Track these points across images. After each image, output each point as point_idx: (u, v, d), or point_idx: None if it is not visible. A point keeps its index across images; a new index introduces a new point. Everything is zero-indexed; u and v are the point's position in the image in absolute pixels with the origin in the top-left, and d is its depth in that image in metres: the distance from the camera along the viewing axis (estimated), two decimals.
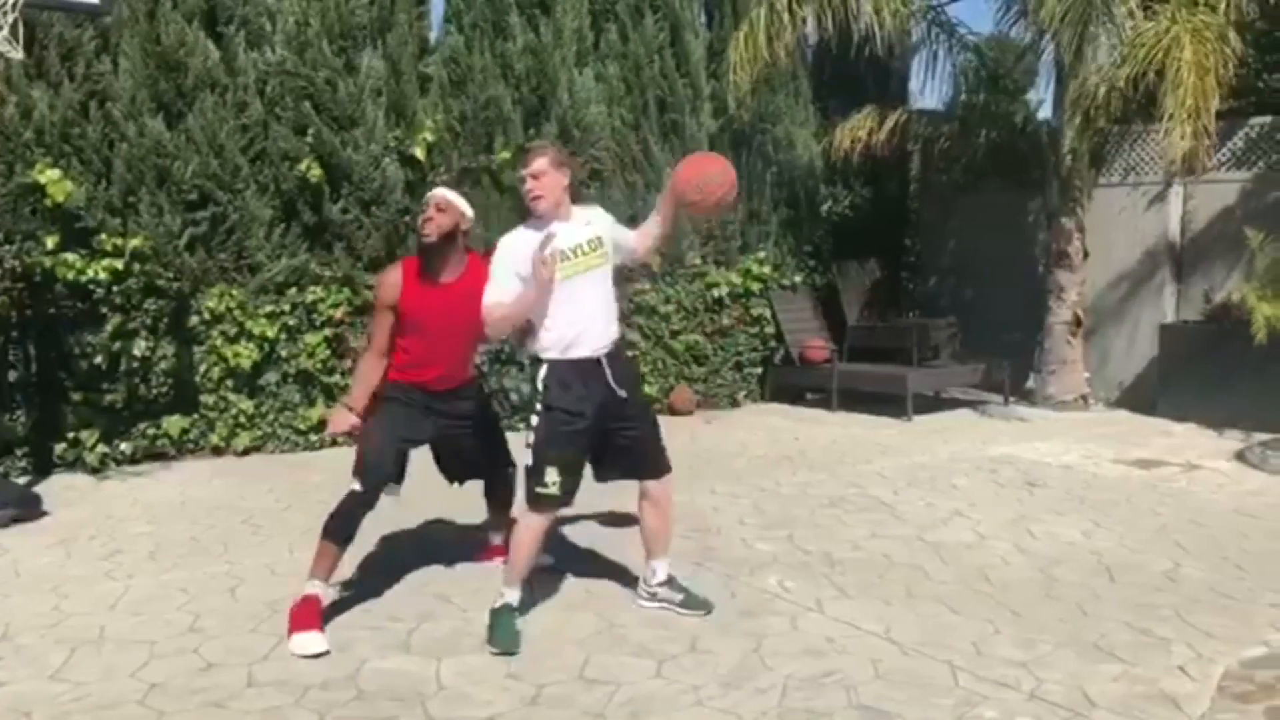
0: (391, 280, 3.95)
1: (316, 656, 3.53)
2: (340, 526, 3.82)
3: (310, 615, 3.70)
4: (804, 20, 8.47)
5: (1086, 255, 8.90)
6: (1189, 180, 8.78)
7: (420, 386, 4.00)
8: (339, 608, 4.03)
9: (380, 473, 3.89)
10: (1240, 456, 6.86)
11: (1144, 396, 8.74)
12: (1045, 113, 9.68)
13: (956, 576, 4.44)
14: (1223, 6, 7.56)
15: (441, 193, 3.97)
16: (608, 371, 3.66)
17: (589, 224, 3.77)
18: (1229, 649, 3.61)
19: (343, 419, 3.96)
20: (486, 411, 4.44)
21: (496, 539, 4.56)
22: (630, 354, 3.82)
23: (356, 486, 3.85)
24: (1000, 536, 5.05)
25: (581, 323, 3.63)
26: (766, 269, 9.27)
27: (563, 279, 3.57)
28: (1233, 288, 8.00)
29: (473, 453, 4.30)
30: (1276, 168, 8.35)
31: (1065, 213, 8.81)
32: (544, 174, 3.64)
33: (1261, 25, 7.93)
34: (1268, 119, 8.42)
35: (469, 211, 4.02)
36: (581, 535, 5.05)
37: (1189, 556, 4.71)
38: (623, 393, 3.70)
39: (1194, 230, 8.83)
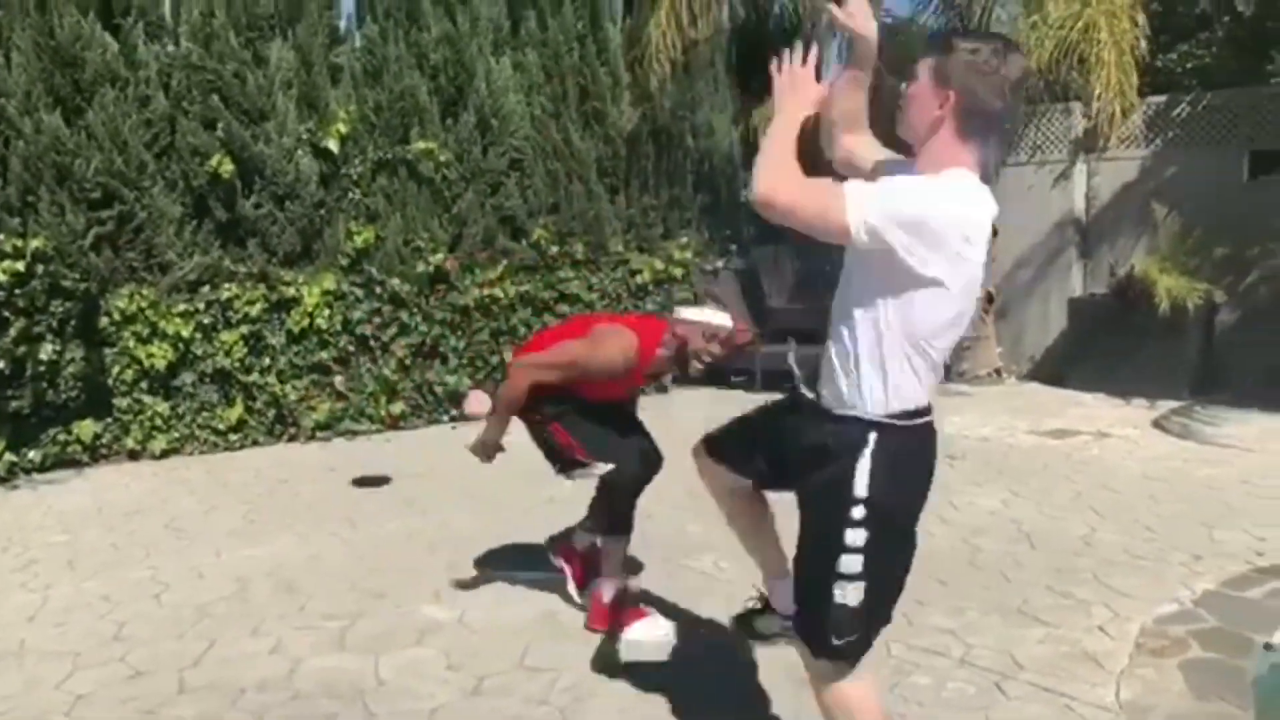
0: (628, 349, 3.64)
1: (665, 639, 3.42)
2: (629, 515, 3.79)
3: (635, 610, 3.59)
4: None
5: (996, 233, 9.07)
6: (1092, 158, 9.07)
7: None
8: (269, 608, 3.97)
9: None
10: (1155, 424, 7.12)
11: (1055, 369, 9.02)
12: None
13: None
14: None
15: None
16: None
17: None
18: (1144, 607, 3.77)
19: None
20: None
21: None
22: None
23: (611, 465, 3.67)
24: (924, 508, 5.16)
25: None
26: (689, 254, 9.32)
27: None
28: (1135, 261, 8.29)
29: None
30: (1173, 144, 8.67)
31: None
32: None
33: (1156, 7, 8.21)
34: (1164, 98, 8.74)
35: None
36: (516, 529, 5.04)
37: (1103, 521, 4.89)
38: None
39: (1098, 206, 9.13)
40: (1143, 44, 7.78)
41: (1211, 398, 7.43)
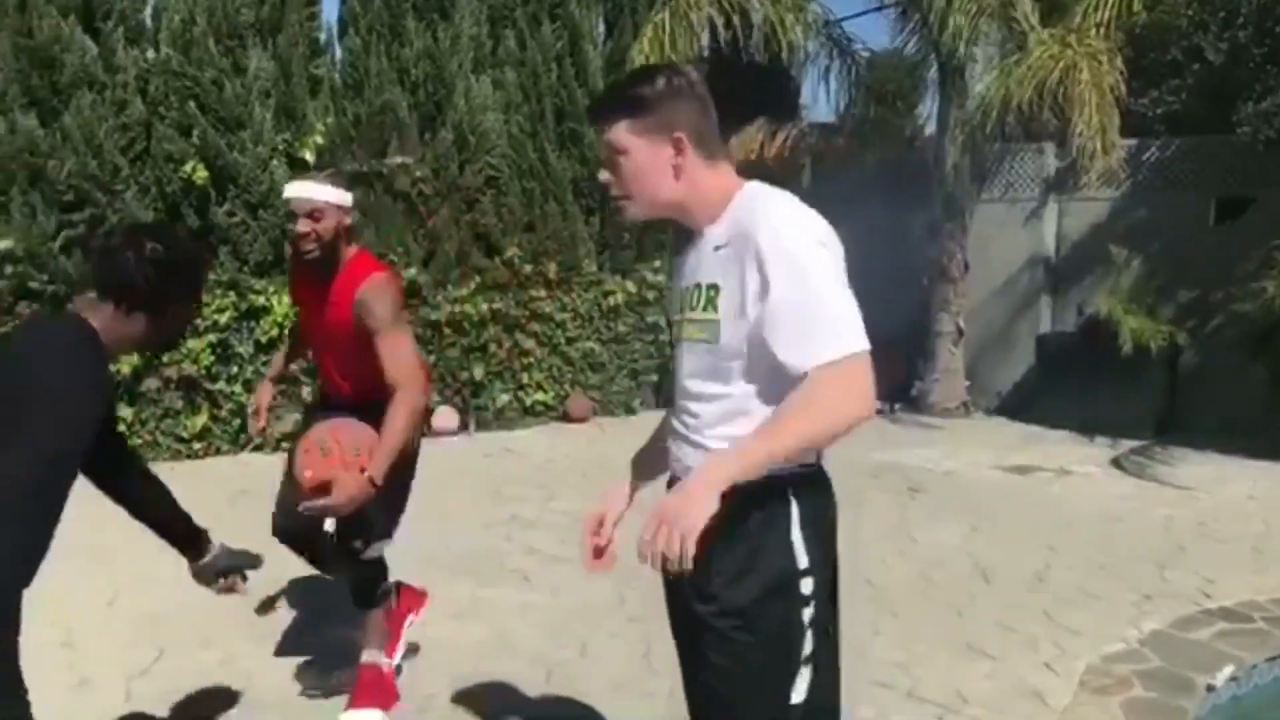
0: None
1: None
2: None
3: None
4: (707, 24, 8.61)
5: (968, 268, 9.24)
6: (1063, 198, 9.20)
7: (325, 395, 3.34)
8: (223, 619, 3.95)
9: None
10: (1115, 463, 7.20)
11: (1021, 404, 9.10)
12: (932, 129, 10.00)
13: (840, 580, 4.56)
14: (1100, 33, 8.00)
15: (305, 195, 2.98)
16: None
17: (721, 248, 1.80)
18: (1092, 645, 3.81)
19: (261, 393, 3.50)
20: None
21: (363, 655, 3.26)
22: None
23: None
24: (882, 541, 5.20)
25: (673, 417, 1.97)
26: (662, 278, 9.36)
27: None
28: (1101, 301, 8.39)
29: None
30: (1143, 188, 8.80)
31: (948, 226, 9.14)
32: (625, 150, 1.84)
33: (1128, 52, 8.36)
34: (1134, 141, 8.87)
35: (347, 200, 3.03)
36: (468, 540, 5.04)
37: (1058, 558, 4.94)
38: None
39: (1067, 246, 9.25)
40: (1121, 86, 7.93)
41: (1172, 439, 7.52)
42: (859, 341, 1.65)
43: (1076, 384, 8.34)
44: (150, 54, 6.94)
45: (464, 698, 3.31)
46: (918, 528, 5.47)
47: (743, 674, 1.75)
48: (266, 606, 3.59)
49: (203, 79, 6.96)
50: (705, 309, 1.79)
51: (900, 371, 9.22)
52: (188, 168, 6.87)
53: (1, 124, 6.36)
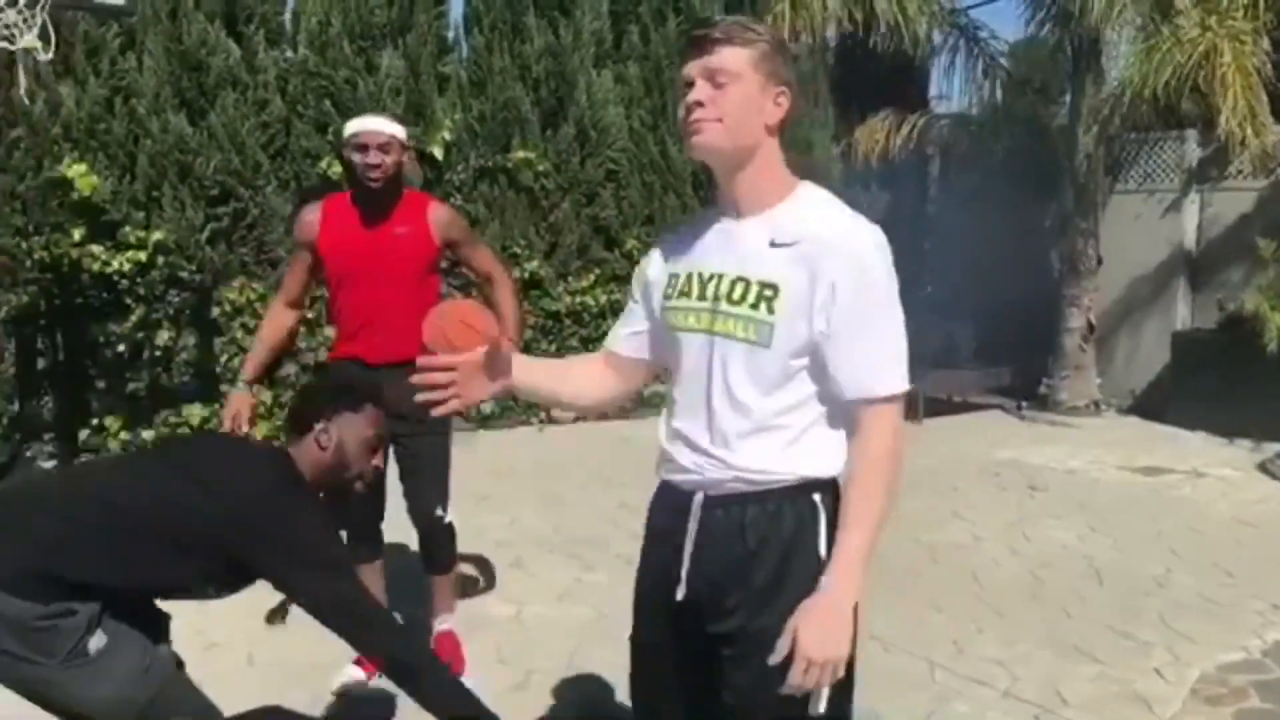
0: (307, 219, 3.32)
1: None
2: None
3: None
4: (827, 16, 8.51)
5: (1101, 262, 8.90)
6: (1205, 188, 8.77)
7: (357, 360, 3.26)
8: None
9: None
10: (1262, 467, 6.83)
11: (1155, 403, 8.72)
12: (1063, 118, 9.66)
13: (947, 577, 4.51)
14: (1245, 14, 7.60)
15: (377, 127, 3.15)
16: (691, 530, 1.80)
17: (783, 246, 1.72)
18: (1207, 653, 3.66)
19: (236, 402, 3.25)
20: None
21: (440, 623, 3.53)
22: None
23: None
24: (995, 539, 5.10)
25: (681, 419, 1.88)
26: None
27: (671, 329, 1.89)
28: (1247, 297, 7.97)
29: (408, 473, 3.37)
30: None
31: (1080, 219, 8.82)
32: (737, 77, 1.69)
33: (1278, 35, 7.90)
34: None
35: (407, 140, 3.28)
36: (585, 531, 5.16)
37: (1181, 562, 4.75)
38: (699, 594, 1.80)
39: (1209, 238, 8.81)
40: (1269, 68, 7.52)
41: None
42: (904, 381, 1.72)
43: (1216, 384, 7.94)
44: (289, 55, 7.31)
45: (562, 677, 3.42)
46: (1032, 526, 5.33)
47: (769, 688, 1.67)
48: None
49: (337, 78, 7.29)
50: (756, 306, 1.70)
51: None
52: (324, 164, 7.20)
53: (154, 123, 6.80)
